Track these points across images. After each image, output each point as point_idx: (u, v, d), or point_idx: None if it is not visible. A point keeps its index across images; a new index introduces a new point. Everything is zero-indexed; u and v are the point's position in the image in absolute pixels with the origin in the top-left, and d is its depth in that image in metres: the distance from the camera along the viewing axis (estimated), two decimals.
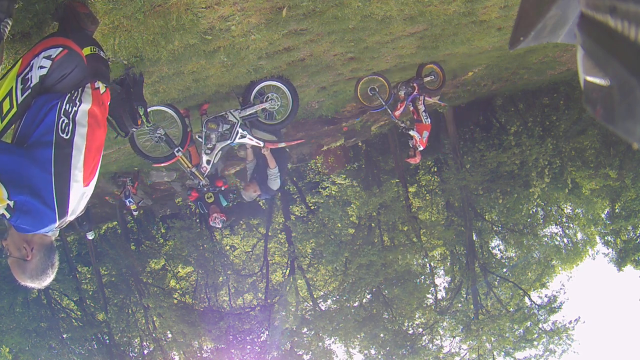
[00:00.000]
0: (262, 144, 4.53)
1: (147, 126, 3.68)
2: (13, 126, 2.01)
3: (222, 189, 5.87)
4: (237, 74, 4.26)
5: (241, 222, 14.71)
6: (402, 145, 14.23)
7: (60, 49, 2.10)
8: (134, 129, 3.35)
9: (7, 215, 1.83)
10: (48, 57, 2.05)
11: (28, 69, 2.00)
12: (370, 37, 4.44)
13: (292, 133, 8.40)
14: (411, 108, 5.77)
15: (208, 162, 4.38)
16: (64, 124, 1.96)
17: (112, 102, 3.29)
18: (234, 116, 4.37)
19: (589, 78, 0.70)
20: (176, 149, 4.13)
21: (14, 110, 1.93)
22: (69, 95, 2.05)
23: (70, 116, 2.01)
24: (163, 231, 14.97)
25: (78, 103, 2.07)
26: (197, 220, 12.59)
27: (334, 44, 4.38)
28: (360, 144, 13.70)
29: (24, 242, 1.95)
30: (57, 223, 1.96)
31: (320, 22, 3.72)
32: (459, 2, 4.20)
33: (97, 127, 2.16)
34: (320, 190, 14.41)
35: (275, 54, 4.13)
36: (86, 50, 2.28)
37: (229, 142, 4.39)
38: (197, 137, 4.42)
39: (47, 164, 1.88)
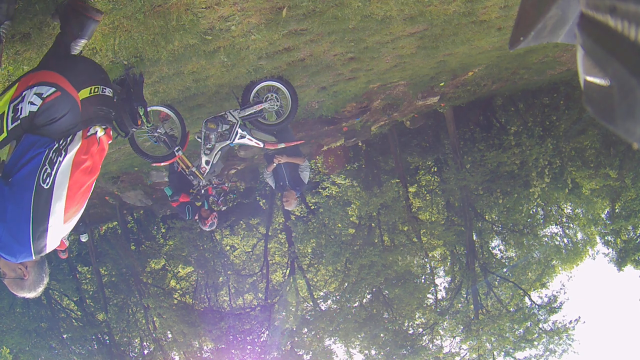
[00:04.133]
0: (261, 145, 4.53)
1: (147, 126, 3.67)
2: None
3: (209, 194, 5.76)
4: (237, 74, 4.26)
5: (241, 222, 14.72)
6: (403, 145, 14.26)
7: (53, 89, 1.98)
8: (134, 129, 3.35)
9: None
10: (39, 95, 1.96)
11: (20, 99, 1.95)
12: (370, 37, 4.44)
13: (292, 133, 8.38)
14: None
15: (207, 162, 4.37)
16: (45, 174, 1.93)
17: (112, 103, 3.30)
18: (233, 116, 4.35)
19: (589, 78, 0.70)
20: (176, 149, 4.12)
21: (4, 135, 1.95)
22: (57, 144, 1.98)
23: (55, 167, 1.95)
24: (163, 231, 14.96)
25: (64, 153, 1.99)
26: (196, 219, 12.58)
27: (334, 44, 4.38)
28: (360, 144, 13.70)
29: (18, 263, 2.00)
30: (34, 257, 1.98)
31: (320, 22, 3.72)
32: (459, 2, 4.20)
33: (84, 174, 2.10)
34: (320, 190, 14.40)
35: (275, 54, 4.13)
36: (83, 93, 2.11)
37: (228, 142, 4.38)
38: (196, 137, 4.41)
39: (26, 206, 1.89)
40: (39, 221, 1.91)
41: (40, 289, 2.11)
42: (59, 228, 2.02)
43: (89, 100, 2.12)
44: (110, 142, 2.35)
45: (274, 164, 5.31)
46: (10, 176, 1.91)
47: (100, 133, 2.20)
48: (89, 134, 2.12)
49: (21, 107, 1.94)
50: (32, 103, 1.95)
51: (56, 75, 2.02)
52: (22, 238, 1.89)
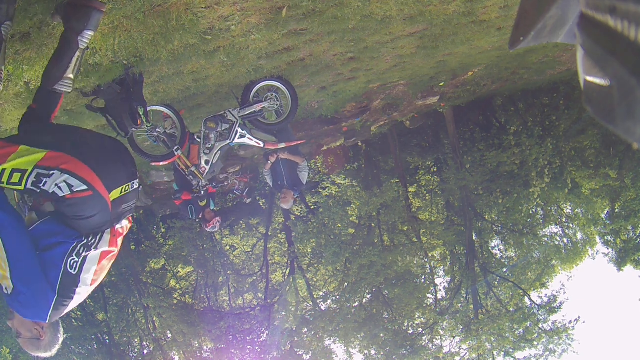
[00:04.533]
0: (261, 144, 4.52)
1: (147, 126, 3.67)
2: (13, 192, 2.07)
3: (210, 190, 5.73)
4: (237, 74, 4.25)
5: (241, 222, 14.71)
6: (402, 145, 14.25)
7: (85, 187, 1.98)
8: (133, 129, 3.36)
9: (7, 292, 1.90)
10: (69, 186, 1.97)
11: (47, 172, 1.95)
12: (370, 37, 4.44)
13: (292, 133, 8.38)
14: None
15: (207, 162, 4.36)
16: (72, 262, 2.00)
17: (112, 102, 3.30)
18: (233, 115, 4.34)
19: (589, 78, 0.70)
20: (175, 148, 4.12)
21: (20, 187, 1.99)
22: (86, 241, 2.04)
23: (82, 258, 2.02)
24: (163, 231, 14.95)
25: (92, 250, 2.06)
26: (197, 221, 12.58)
27: (334, 44, 4.38)
28: (360, 144, 13.70)
29: (34, 323, 2.04)
30: (47, 322, 2.02)
31: (320, 22, 3.72)
32: (458, 2, 4.20)
33: (110, 260, 2.19)
34: (320, 190, 14.40)
35: (275, 54, 4.13)
36: (115, 194, 2.12)
37: (228, 142, 4.37)
38: (195, 137, 4.40)
39: (54, 282, 1.96)
40: (63, 296, 1.99)
41: (55, 349, 2.15)
42: (81, 298, 2.11)
43: (120, 199, 2.16)
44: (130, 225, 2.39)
45: (270, 162, 5.33)
46: (37, 249, 1.96)
47: (124, 222, 2.27)
48: (116, 228, 2.19)
49: (46, 181, 1.95)
50: (59, 188, 1.96)
51: (91, 173, 2.00)
52: (44, 305, 1.95)
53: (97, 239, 2.08)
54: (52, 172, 1.95)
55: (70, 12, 2.26)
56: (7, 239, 1.86)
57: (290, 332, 12.34)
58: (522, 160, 12.05)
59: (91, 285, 2.09)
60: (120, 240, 2.23)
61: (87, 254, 2.03)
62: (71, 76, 2.30)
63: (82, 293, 2.06)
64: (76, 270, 1.99)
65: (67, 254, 1.97)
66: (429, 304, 13.03)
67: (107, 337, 13.09)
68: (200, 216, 5.70)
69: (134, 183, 2.26)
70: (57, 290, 1.95)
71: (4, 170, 1.94)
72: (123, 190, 2.16)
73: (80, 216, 2.02)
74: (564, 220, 14.81)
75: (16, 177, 1.94)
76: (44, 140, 2.04)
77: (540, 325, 13.07)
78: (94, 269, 2.06)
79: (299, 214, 14.60)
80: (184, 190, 5.34)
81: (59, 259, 1.96)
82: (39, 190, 1.96)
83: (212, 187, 5.36)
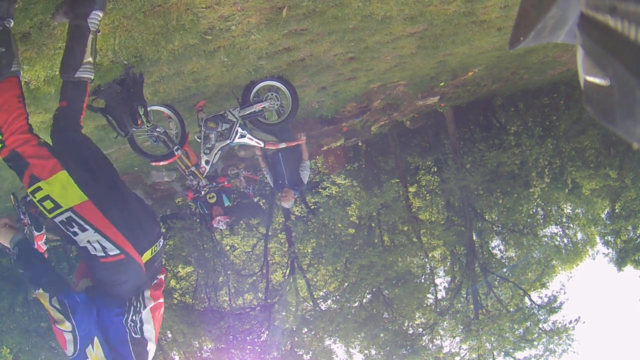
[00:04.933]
0: (262, 144, 4.52)
1: (147, 126, 3.67)
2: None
3: (224, 186, 5.74)
4: (237, 74, 4.25)
5: (241, 222, 14.71)
6: (403, 145, 14.25)
7: (118, 252, 2.04)
8: (134, 129, 3.36)
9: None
10: (103, 248, 2.03)
11: (81, 222, 2.01)
12: (370, 37, 4.44)
13: (293, 132, 8.38)
14: None
15: (207, 162, 4.36)
16: (132, 330, 2.12)
17: (112, 102, 3.30)
18: (233, 115, 4.34)
19: (589, 78, 0.70)
20: (175, 148, 4.12)
21: (47, 215, 2.09)
22: (133, 308, 2.14)
23: (138, 323, 2.15)
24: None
25: (141, 311, 2.16)
26: (198, 220, 12.59)
27: (334, 44, 4.38)
28: (360, 144, 13.70)
29: None
30: None
31: (321, 22, 3.72)
32: (459, 2, 4.20)
33: (158, 307, 2.28)
34: (320, 190, 14.40)
35: (275, 54, 4.13)
36: (146, 256, 2.18)
37: (228, 141, 4.36)
38: (195, 137, 4.39)
39: (127, 354, 2.09)
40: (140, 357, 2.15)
41: None
42: (152, 354, 2.24)
43: (151, 260, 2.23)
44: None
45: (259, 155, 5.36)
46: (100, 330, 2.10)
47: (158, 275, 2.36)
48: (154, 283, 2.29)
49: (76, 231, 2.01)
50: (93, 247, 2.03)
51: (122, 238, 2.06)
52: None
53: (141, 300, 2.17)
54: (86, 226, 2.00)
55: (70, 14, 2.27)
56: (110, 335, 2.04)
57: (291, 332, 12.34)
58: (522, 161, 12.06)
59: (155, 341, 2.22)
60: (161, 291, 2.32)
61: (139, 316, 2.14)
62: (90, 60, 2.28)
63: (152, 349, 2.18)
64: (139, 335, 2.13)
65: (125, 324, 2.10)
66: (429, 304, 13.03)
67: None
68: (209, 211, 5.76)
69: (160, 241, 2.32)
70: (134, 357, 2.08)
71: (40, 188, 1.99)
72: (153, 251, 2.23)
73: (115, 281, 2.09)
74: (564, 220, 14.81)
75: (48, 205, 2.00)
76: (83, 178, 2.07)
77: (540, 326, 13.07)
78: (151, 326, 2.19)
79: (299, 214, 14.61)
80: (190, 189, 5.34)
81: (122, 331, 2.09)
82: (64, 230, 2.02)
83: (227, 182, 5.45)
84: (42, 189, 2.00)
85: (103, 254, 2.02)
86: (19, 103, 2.08)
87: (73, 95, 2.28)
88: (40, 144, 2.08)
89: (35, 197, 2.01)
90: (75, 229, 2.00)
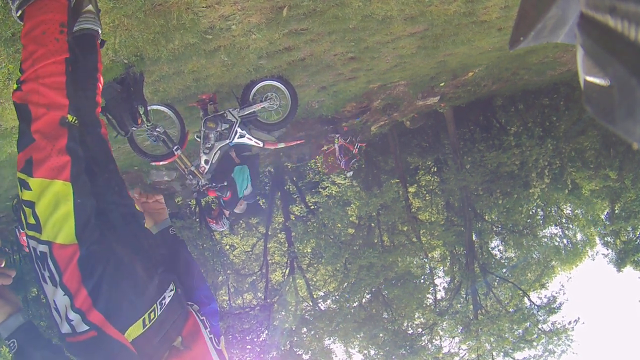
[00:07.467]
0: (261, 144, 4.53)
1: (147, 125, 3.67)
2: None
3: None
4: (237, 73, 4.26)
5: (241, 221, 14.71)
6: (402, 145, 14.25)
7: (87, 328, 1.35)
8: (134, 128, 3.36)
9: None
10: (79, 318, 1.35)
11: (57, 269, 1.36)
12: (370, 37, 4.44)
13: (292, 133, 8.40)
14: None
15: (206, 162, 4.37)
16: None
17: (112, 101, 3.29)
18: (232, 115, 4.35)
19: (589, 78, 0.70)
20: (175, 148, 4.12)
21: (24, 228, 1.47)
22: None
23: None
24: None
25: None
26: (197, 220, 12.59)
27: (335, 43, 4.38)
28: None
29: None
30: None
31: (321, 21, 3.72)
32: (459, 2, 4.20)
33: None
34: (320, 190, 14.41)
35: (275, 54, 4.13)
36: (134, 330, 1.40)
37: (227, 141, 4.37)
38: (195, 137, 4.40)
39: None
40: None
41: None
42: None
43: (148, 333, 1.43)
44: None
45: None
46: None
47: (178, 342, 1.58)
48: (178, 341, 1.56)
49: (49, 275, 1.37)
50: (68, 317, 1.37)
51: (95, 313, 1.36)
52: None
53: None
54: (58, 278, 1.35)
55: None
56: None
57: (290, 331, 12.34)
58: (522, 161, 12.06)
59: None
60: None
61: None
62: (90, 8, 1.79)
63: None
64: None
65: None
66: (428, 304, 13.03)
67: None
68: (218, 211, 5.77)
69: (164, 296, 1.51)
70: None
71: (28, 186, 1.37)
72: (148, 320, 1.44)
73: None
74: (563, 221, 14.81)
75: (29, 216, 1.37)
76: (86, 216, 1.42)
77: (539, 326, 13.08)
78: None
79: (298, 214, 14.61)
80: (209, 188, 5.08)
81: None
82: (34, 264, 1.39)
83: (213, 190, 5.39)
84: (30, 190, 1.36)
85: (69, 328, 1.35)
86: (61, 34, 1.47)
87: (78, 50, 1.67)
88: (63, 123, 1.42)
89: (21, 193, 1.38)
90: (47, 272, 1.35)
